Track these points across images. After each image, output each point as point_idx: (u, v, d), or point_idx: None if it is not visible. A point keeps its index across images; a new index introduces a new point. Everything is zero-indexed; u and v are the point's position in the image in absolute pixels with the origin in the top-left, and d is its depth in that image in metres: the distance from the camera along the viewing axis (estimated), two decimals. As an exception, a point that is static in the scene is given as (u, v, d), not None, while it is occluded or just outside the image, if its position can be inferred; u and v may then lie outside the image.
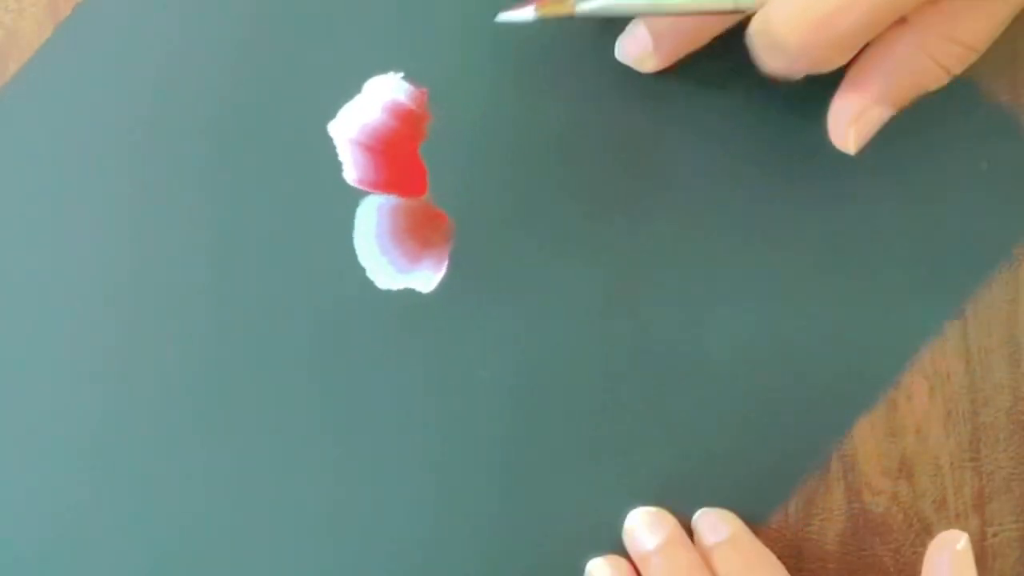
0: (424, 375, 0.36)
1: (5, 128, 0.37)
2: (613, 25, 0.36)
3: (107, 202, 0.36)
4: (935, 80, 0.32)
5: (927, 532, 0.36)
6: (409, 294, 0.35)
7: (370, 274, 0.35)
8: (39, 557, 0.36)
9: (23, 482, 0.36)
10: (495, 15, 0.35)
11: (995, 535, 0.36)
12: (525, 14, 0.34)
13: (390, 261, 0.35)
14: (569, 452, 0.36)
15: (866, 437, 0.36)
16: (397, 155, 0.35)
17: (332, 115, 0.36)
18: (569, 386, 0.36)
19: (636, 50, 0.35)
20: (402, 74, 0.35)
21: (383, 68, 0.35)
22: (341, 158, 0.36)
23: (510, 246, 0.36)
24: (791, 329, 0.36)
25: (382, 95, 0.35)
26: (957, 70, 0.32)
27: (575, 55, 0.36)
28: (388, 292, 0.35)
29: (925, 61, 0.32)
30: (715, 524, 0.35)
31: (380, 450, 0.36)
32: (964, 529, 0.36)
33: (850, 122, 0.33)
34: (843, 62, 0.31)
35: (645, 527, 0.35)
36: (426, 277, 0.35)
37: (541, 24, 0.35)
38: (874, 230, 0.37)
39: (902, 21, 0.31)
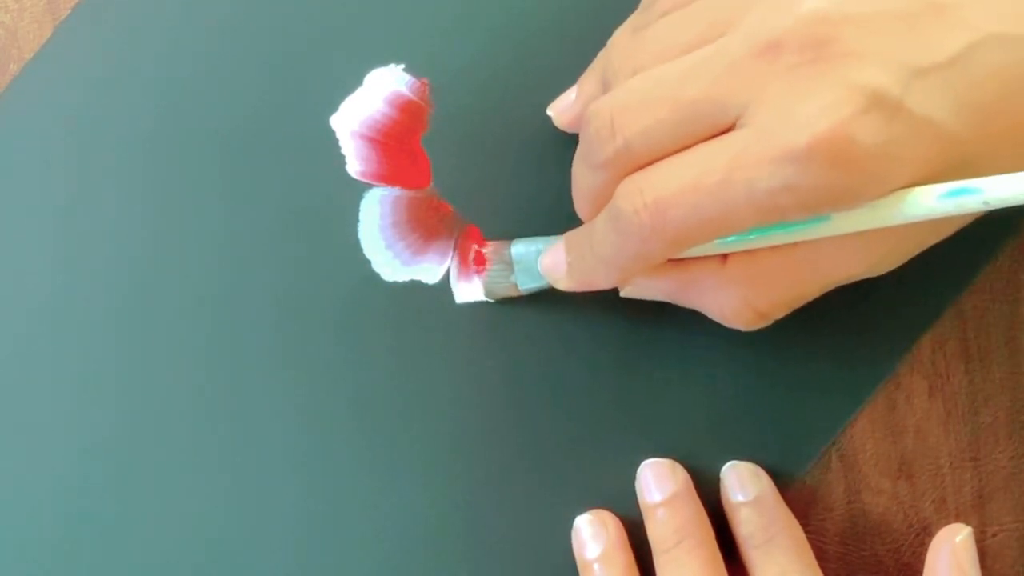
0: (431, 366, 0.36)
1: (5, 128, 0.37)
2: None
3: (108, 201, 0.36)
4: (719, 317, 0.33)
5: (926, 532, 0.36)
6: (415, 286, 0.35)
7: (376, 267, 0.35)
8: (46, 557, 0.36)
9: (30, 483, 0.36)
10: (496, 5, 0.35)
11: (994, 535, 0.36)
12: (478, 294, 0.35)
13: (395, 254, 0.35)
14: (572, 442, 0.36)
15: (866, 437, 0.36)
16: (399, 146, 0.35)
17: (334, 108, 0.36)
18: (577, 373, 0.36)
19: (552, 269, 0.34)
20: (403, 65, 0.35)
21: (384, 60, 0.35)
22: (344, 151, 0.36)
23: (515, 236, 0.36)
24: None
25: (383, 87, 0.36)
26: (743, 328, 0.32)
27: (577, 45, 0.36)
28: (395, 284, 0.35)
29: (719, 303, 0.32)
30: (743, 481, 0.35)
31: (389, 443, 0.36)
32: (963, 529, 0.36)
33: (628, 283, 0.34)
34: (663, 257, 0.30)
35: (653, 479, 0.35)
36: (431, 269, 0.35)
37: (540, 21, 0.35)
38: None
39: (723, 259, 0.31)
